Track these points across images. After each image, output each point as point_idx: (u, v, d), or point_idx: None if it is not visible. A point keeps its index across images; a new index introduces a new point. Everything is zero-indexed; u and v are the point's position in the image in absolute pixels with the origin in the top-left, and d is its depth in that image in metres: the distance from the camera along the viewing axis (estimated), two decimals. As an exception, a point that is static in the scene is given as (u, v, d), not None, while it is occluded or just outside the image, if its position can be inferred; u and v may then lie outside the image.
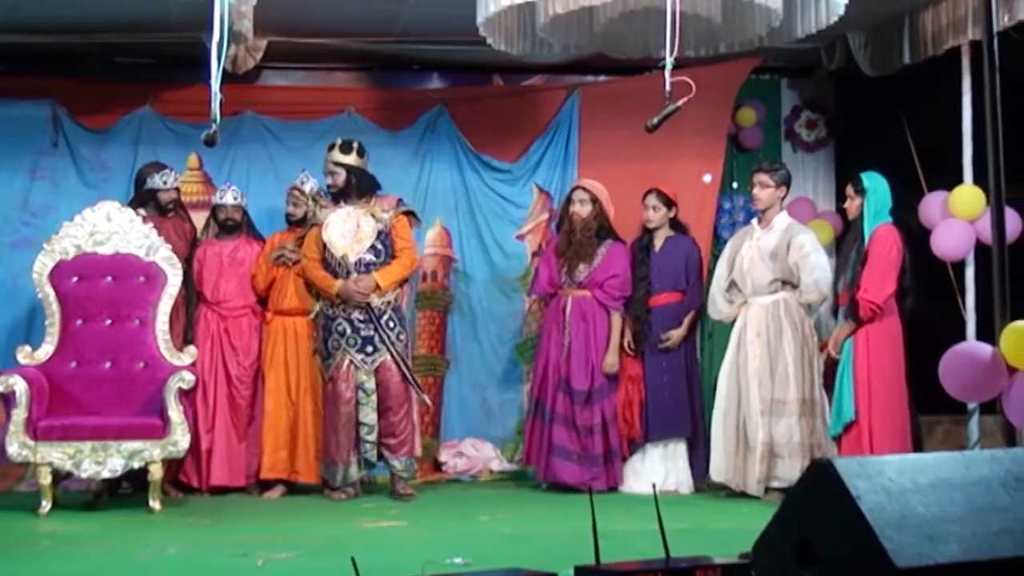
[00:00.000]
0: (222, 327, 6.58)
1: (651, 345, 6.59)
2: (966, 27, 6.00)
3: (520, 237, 7.46)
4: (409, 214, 6.48)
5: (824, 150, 7.92)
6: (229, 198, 6.65)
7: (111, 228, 6.18)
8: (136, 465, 5.65)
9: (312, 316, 6.44)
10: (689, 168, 7.29)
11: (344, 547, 4.22)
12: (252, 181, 7.11)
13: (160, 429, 5.68)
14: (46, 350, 5.99)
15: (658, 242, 6.68)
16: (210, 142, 4.69)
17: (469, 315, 7.38)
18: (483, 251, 7.43)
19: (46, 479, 5.59)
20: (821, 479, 2.83)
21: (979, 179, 6.04)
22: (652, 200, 6.63)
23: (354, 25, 6.74)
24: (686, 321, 6.60)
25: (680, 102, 4.65)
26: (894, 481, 2.79)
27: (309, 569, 4.29)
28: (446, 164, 7.42)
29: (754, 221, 6.48)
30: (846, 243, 6.25)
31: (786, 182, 6.36)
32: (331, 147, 6.34)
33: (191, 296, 6.60)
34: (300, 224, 6.60)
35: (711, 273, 6.66)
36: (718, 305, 6.42)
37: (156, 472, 5.66)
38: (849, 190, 6.12)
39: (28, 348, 6.00)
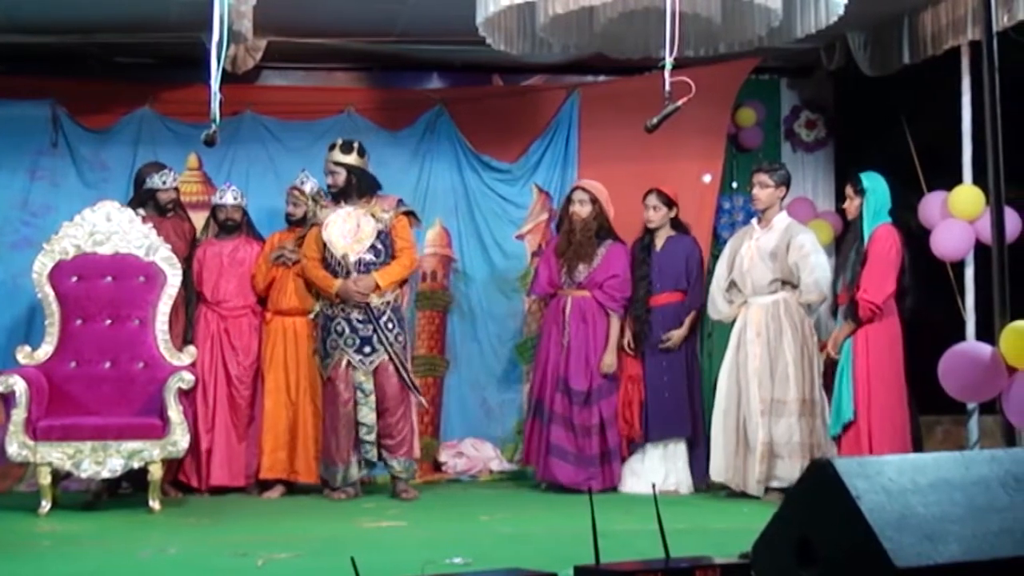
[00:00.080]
0: (222, 327, 6.58)
1: (651, 345, 6.59)
2: (965, 27, 6.00)
3: (520, 237, 7.46)
4: (409, 214, 6.48)
5: (824, 150, 7.92)
6: (229, 198, 6.66)
7: (111, 228, 6.18)
8: (136, 465, 5.65)
9: (312, 316, 6.44)
10: (689, 168, 7.29)
11: (344, 547, 4.22)
12: (252, 181, 7.11)
13: (160, 429, 5.68)
14: (46, 350, 5.98)
15: (659, 242, 6.68)
16: (210, 142, 4.69)
17: (469, 315, 7.38)
18: (483, 251, 7.43)
19: (46, 479, 5.58)
20: (821, 479, 2.83)
21: (978, 179, 6.05)
22: (652, 200, 6.63)
23: (354, 25, 6.74)
24: (687, 321, 6.60)
25: (680, 102, 4.65)
26: (894, 481, 2.79)
27: (309, 569, 4.29)
28: (446, 164, 7.42)
29: (754, 221, 6.48)
30: (845, 243, 6.25)
31: (786, 182, 6.36)
32: (332, 147, 6.34)
33: (191, 296, 6.60)
34: (300, 224, 6.60)
35: (711, 273, 6.66)
36: (718, 305, 6.42)
37: (156, 472, 5.66)
38: (848, 190, 6.12)
39: (28, 348, 6.00)
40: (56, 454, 5.58)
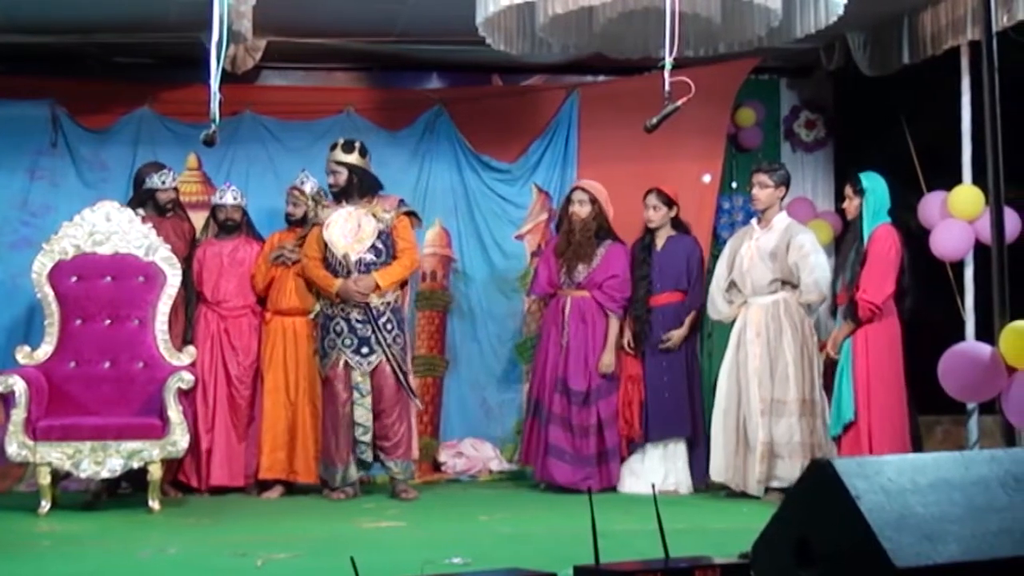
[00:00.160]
0: (222, 327, 6.58)
1: (651, 345, 6.59)
2: (965, 27, 6.00)
3: (519, 237, 7.46)
4: (411, 215, 6.48)
5: (823, 150, 7.92)
6: (229, 198, 6.66)
7: (110, 228, 6.18)
8: (135, 465, 5.65)
9: (311, 316, 6.44)
10: (688, 168, 7.29)
11: (343, 547, 4.22)
12: (251, 181, 7.11)
13: (159, 429, 5.68)
14: (45, 350, 5.98)
15: (659, 242, 6.68)
16: (209, 142, 4.69)
17: (468, 315, 7.38)
18: (482, 251, 7.43)
19: (45, 479, 5.58)
20: (820, 479, 2.83)
21: (978, 179, 6.05)
22: (652, 200, 6.63)
23: (353, 25, 6.74)
24: (687, 321, 6.59)
25: (679, 102, 4.65)
26: (893, 481, 2.79)
27: (308, 569, 4.29)
28: (445, 164, 7.42)
29: (753, 221, 6.48)
30: (845, 243, 6.24)
31: (785, 182, 6.36)
32: (333, 146, 6.34)
33: (190, 296, 6.60)
34: (300, 224, 6.60)
35: (710, 273, 6.65)
36: (718, 305, 6.42)
37: (155, 472, 5.66)
38: (848, 190, 6.11)
39: (27, 348, 6.00)
40: (56, 454, 5.58)
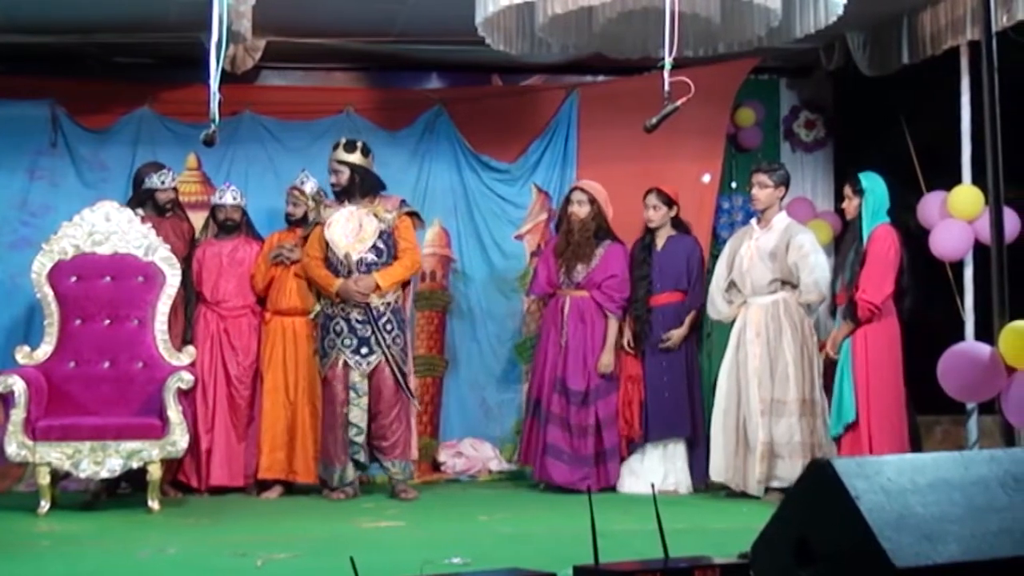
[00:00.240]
0: (221, 327, 6.58)
1: (651, 345, 6.59)
2: (965, 27, 6.01)
3: (519, 237, 7.46)
4: (413, 215, 6.48)
5: (823, 150, 7.93)
6: (228, 198, 6.66)
7: (110, 228, 6.18)
8: (135, 465, 5.65)
9: (312, 316, 6.44)
10: (688, 168, 7.30)
11: (343, 547, 4.22)
12: (251, 181, 7.11)
13: (159, 429, 5.68)
14: (45, 350, 5.98)
15: (660, 241, 6.68)
16: (209, 142, 4.69)
17: (468, 315, 7.38)
18: (482, 251, 7.43)
19: (45, 479, 5.58)
20: (820, 479, 2.83)
21: (978, 179, 6.05)
22: (652, 200, 6.63)
23: (353, 25, 6.74)
24: (687, 321, 6.59)
25: (679, 102, 4.65)
26: (893, 481, 2.79)
27: (308, 569, 4.29)
28: (445, 164, 7.42)
29: (753, 221, 6.48)
30: (844, 243, 6.24)
31: (785, 182, 6.36)
32: (336, 146, 6.34)
33: (190, 296, 6.60)
34: (300, 224, 6.60)
35: (710, 273, 6.66)
36: (717, 305, 6.42)
37: (155, 472, 5.66)
38: (847, 190, 6.11)
39: (27, 348, 6.00)
40: (55, 454, 5.58)
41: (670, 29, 4.58)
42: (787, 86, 7.94)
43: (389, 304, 6.29)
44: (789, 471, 5.95)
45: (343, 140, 6.37)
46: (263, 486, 6.48)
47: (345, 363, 6.22)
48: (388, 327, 6.25)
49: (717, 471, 6.30)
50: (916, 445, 6.23)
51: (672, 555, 3.25)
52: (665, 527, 3.24)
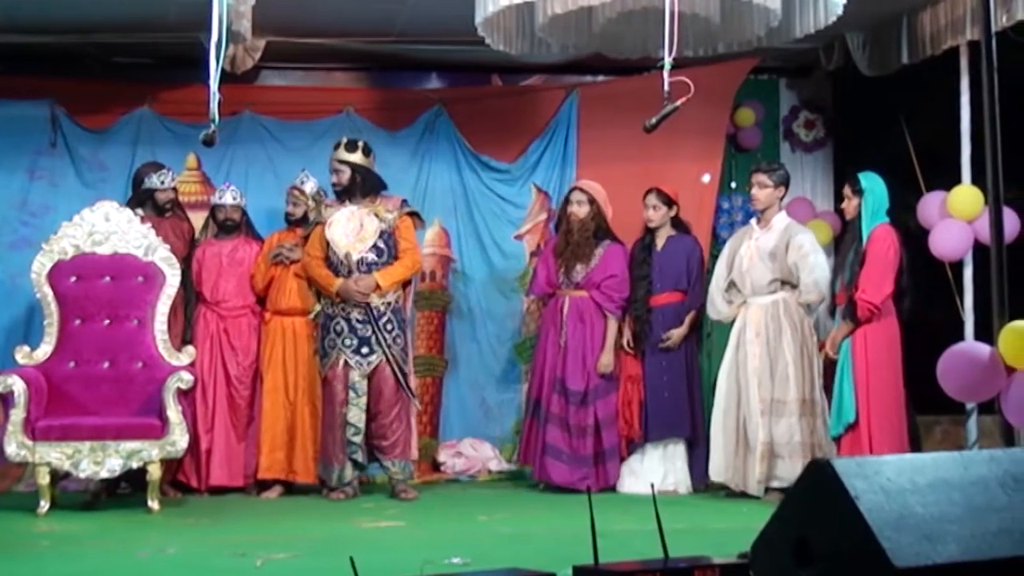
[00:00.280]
0: (221, 327, 6.58)
1: (651, 345, 6.59)
2: (964, 27, 6.01)
3: (519, 237, 7.46)
4: (414, 215, 6.48)
5: (822, 150, 7.93)
6: (228, 198, 6.66)
7: (109, 228, 6.18)
8: (134, 465, 5.65)
9: (312, 316, 6.44)
10: (688, 168, 7.30)
11: (343, 547, 4.22)
12: (251, 181, 7.11)
13: (158, 429, 5.68)
14: (44, 350, 5.98)
15: (660, 241, 6.68)
16: (209, 142, 4.69)
17: (468, 315, 7.38)
18: (482, 251, 7.43)
19: (44, 479, 5.58)
20: (819, 479, 2.83)
21: (977, 179, 6.05)
22: (652, 199, 6.63)
23: (353, 25, 6.74)
24: (687, 320, 6.59)
25: (679, 102, 4.66)
26: (892, 481, 2.79)
27: (308, 569, 4.29)
28: (445, 164, 7.42)
29: (753, 221, 6.48)
30: (844, 243, 6.24)
31: (784, 182, 6.36)
32: (337, 145, 6.35)
33: (189, 296, 6.60)
34: (299, 224, 6.60)
35: (710, 273, 6.66)
36: (717, 305, 6.42)
37: (154, 472, 5.66)
38: (847, 190, 6.11)
39: (26, 348, 6.00)
40: (55, 454, 5.58)
41: (670, 29, 4.58)
42: (787, 86, 7.94)
43: (389, 304, 6.29)
44: (789, 471, 5.95)
45: (344, 140, 6.38)
46: (263, 486, 6.48)
47: (345, 363, 6.22)
48: (388, 327, 6.25)
49: (717, 471, 6.30)
50: (916, 445, 6.23)
51: (672, 555, 3.25)
52: (665, 527, 3.24)
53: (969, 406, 6.33)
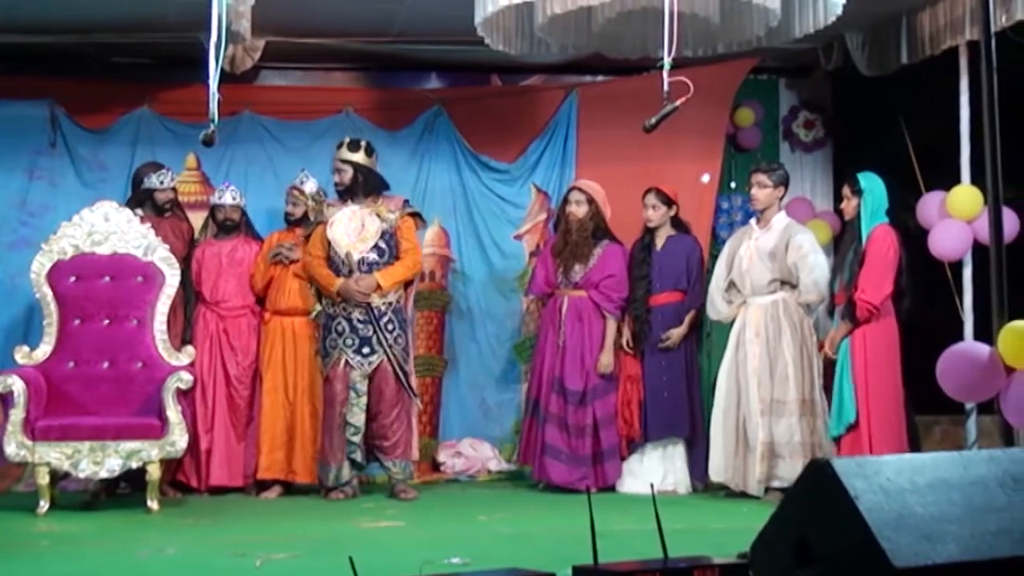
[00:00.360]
0: (221, 327, 6.58)
1: (650, 345, 6.59)
2: (964, 27, 6.01)
3: (518, 237, 7.46)
4: (415, 215, 6.48)
5: (822, 150, 7.93)
6: (228, 198, 6.66)
7: (109, 228, 6.18)
8: (134, 465, 5.64)
9: (313, 316, 6.44)
10: (687, 168, 7.30)
11: (342, 547, 4.22)
12: (250, 181, 7.11)
13: (158, 429, 5.68)
14: (44, 350, 5.98)
15: (659, 241, 6.68)
16: (208, 142, 4.69)
17: (467, 315, 7.38)
18: (481, 251, 7.43)
19: (44, 479, 5.58)
20: (819, 479, 2.83)
21: (977, 179, 6.05)
22: (651, 199, 6.63)
23: (352, 25, 6.74)
24: (687, 320, 6.59)
25: (678, 102, 4.66)
26: (892, 481, 2.79)
27: (307, 569, 4.29)
28: (444, 164, 7.42)
29: (752, 221, 6.48)
30: (843, 243, 6.24)
31: (784, 182, 6.36)
32: (340, 145, 6.35)
33: (189, 296, 6.60)
34: (299, 224, 6.60)
35: (710, 273, 6.66)
36: (717, 305, 6.42)
37: (154, 472, 5.65)
38: (846, 191, 6.11)
39: (26, 348, 5.99)
40: (54, 454, 5.58)
41: (669, 29, 4.58)
42: (786, 86, 7.94)
43: (390, 304, 6.28)
44: (789, 471, 5.95)
45: (347, 139, 6.37)
46: (262, 486, 6.48)
47: (346, 363, 6.22)
48: (389, 327, 6.25)
49: (717, 471, 6.30)
50: (915, 445, 6.23)
51: (671, 555, 3.25)
52: (664, 527, 3.24)
53: (968, 406, 6.33)
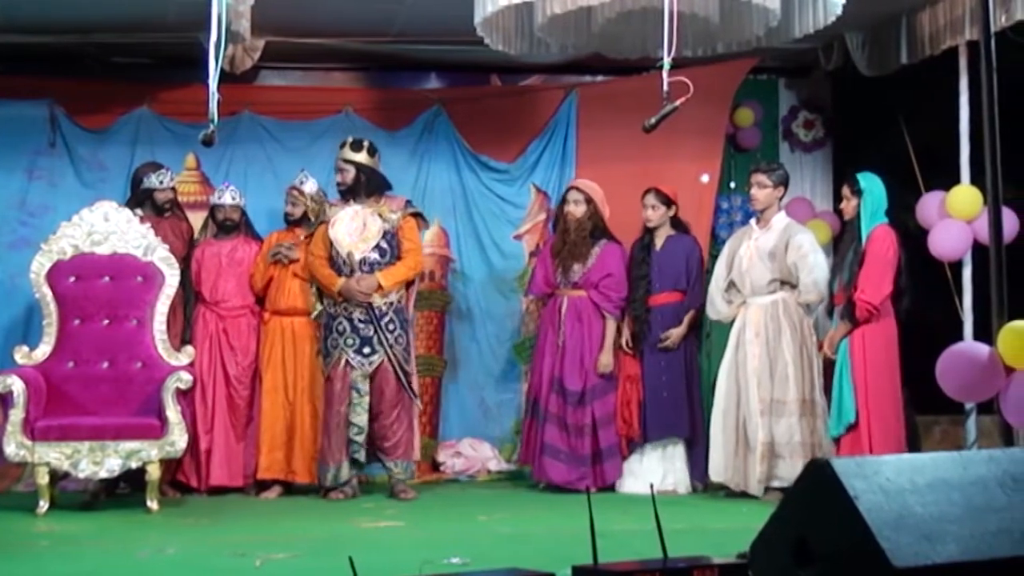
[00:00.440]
0: (221, 327, 6.58)
1: (650, 345, 6.59)
2: (963, 27, 6.01)
3: (518, 237, 7.46)
4: (417, 216, 6.48)
5: (822, 150, 7.93)
6: (227, 198, 6.66)
7: (109, 228, 6.18)
8: (134, 465, 5.64)
9: (314, 316, 6.44)
10: (687, 168, 7.30)
11: (342, 547, 4.22)
12: (250, 181, 7.10)
13: (158, 429, 5.68)
14: (43, 350, 5.98)
15: (659, 241, 6.68)
16: (208, 142, 4.69)
17: (467, 315, 7.38)
18: (481, 251, 7.43)
19: (44, 479, 5.58)
20: (819, 479, 2.83)
21: (976, 179, 6.05)
22: (651, 199, 6.63)
23: (352, 25, 6.74)
24: (686, 320, 6.59)
25: (678, 102, 4.66)
26: (892, 481, 2.79)
27: (307, 569, 4.29)
28: (444, 164, 7.42)
29: (752, 221, 6.48)
30: (843, 244, 6.24)
31: (784, 182, 6.36)
32: (343, 144, 6.35)
33: (188, 296, 6.60)
34: (299, 224, 6.61)
35: (709, 273, 6.66)
36: (717, 305, 6.42)
37: (153, 472, 5.65)
38: (845, 191, 6.11)
39: (25, 348, 5.99)
40: (54, 454, 5.58)
41: (669, 29, 4.58)
42: (786, 86, 7.94)
43: (392, 304, 6.28)
44: (790, 471, 5.95)
45: (350, 139, 6.37)
46: (262, 486, 6.48)
47: (347, 363, 6.22)
48: (390, 327, 6.25)
49: (717, 471, 6.30)
50: (915, 445, 6.23)
51: (671, 555, 3.25)
52: (664, 527, 3.24)
53: (968, 406, 6.33)
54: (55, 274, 6.07)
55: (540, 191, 7.48)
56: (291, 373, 6.51)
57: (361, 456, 6.23)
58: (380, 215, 6.31)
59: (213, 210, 6.71)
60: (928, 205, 6.50)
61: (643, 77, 6.94)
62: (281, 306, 6.54)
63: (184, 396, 5.79)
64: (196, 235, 6.73)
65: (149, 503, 5.65)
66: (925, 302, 6.25)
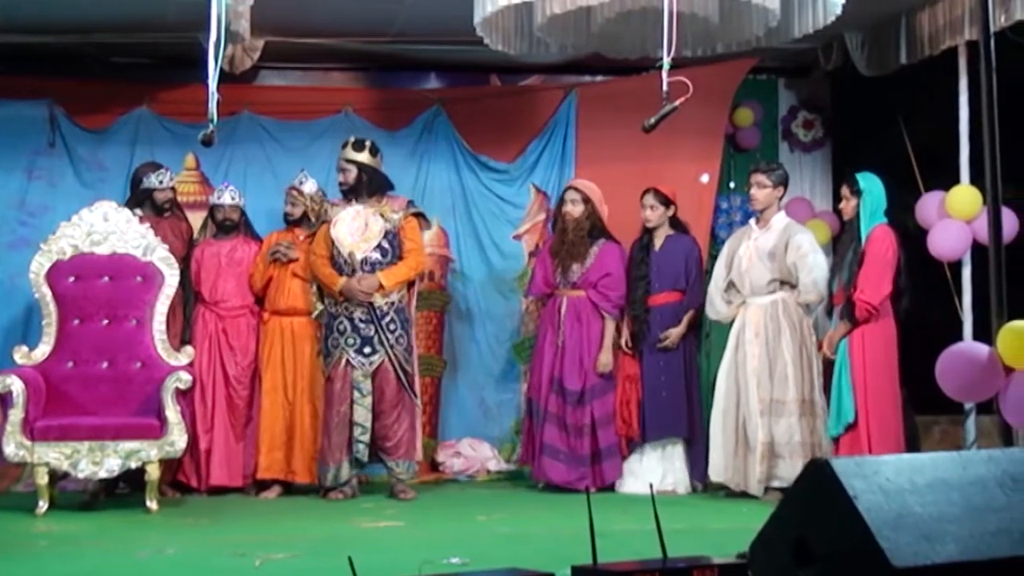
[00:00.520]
0: (220, 327, 6.58)
1: (649, 344, 6.59)
2: (963, 27, 6.01)
3: (517, 237, 7.46)
4: (419, 216, 6.48)
5: (821, 150, 7.93)
6: (227, 198, 6.66)
7: (108, 228, 6.18)
8: (133, 465, 5.64)
9: (315, 316, 6.44)
10: (686, 168, 7.30)
11: (342, 547, 4.22)
12: (249, 181, 7.10)
13: (157, 429, 5.68)
14: (43, 350, 5.98)
15: (658, 241, 6.68)
16: (207, 142, 4.69)
17: (466, 315, 7.38)
18: (480, 251, 7.43)
19: (43, 479, 5.58)
20: (818, 479, 2.83)
21: (976, 179, 6.06)
22: (650, 199, 6.63)
23: (351, 25, 6.74)
24: (685, 320, 6.59)
25: (677, 102, 4.66)
26: (891, 481, 2.79)
27: (307, 569, 4.29)
28: (443, 164, 7.42)
29: (752, 221, 6.48)
30: (842, 244, 6.25)
31: (783, 182, 6.36)
32: (345, 144, 6.35)
33: (188, 296, 6.60)
34: (298, 224, 6.61)
35: (709, 273, 6.66)
36: (716, 305, 6.42)
37: (153, 472, 5.65)
38: (845, 191, 6.11)
39: (25, 348, 5.99)
40: (53, 454, 5.58)
41: (668, 29, 4.59)
42: (785, 86, 7.94)
43: (393, 304, 6.28)
44: (790, 471, 5.94)
45: (352, 139, 6.37)
46: (262, 486, 6.48)
47: (348, 362, 6.22)
48: (391, 327, 6.25)
49: (716, 471, 6.30)
50: (914, 445, 6.23)
51: (671, 555, 3.25)
52: (664, 527, 3.24)
53: (967, 406, 6.34)
54: (55, 274, 6.07)
55: (540, 191, 7.48)
56: (291, 373, 6.51)
57: (364, 456, 6.23)
58: (382, 215, 6.31)
59: (212, 210, 6.71)
60: (927, 205, 6.50)
61: (642, 77, 6.94)
62: (280, 306, 6.54)
63: (184, 396, 5.79)
64: (195, 235, 6.73)
65: (149, 503, 5.65)
66: (924, 302, 6.25)
